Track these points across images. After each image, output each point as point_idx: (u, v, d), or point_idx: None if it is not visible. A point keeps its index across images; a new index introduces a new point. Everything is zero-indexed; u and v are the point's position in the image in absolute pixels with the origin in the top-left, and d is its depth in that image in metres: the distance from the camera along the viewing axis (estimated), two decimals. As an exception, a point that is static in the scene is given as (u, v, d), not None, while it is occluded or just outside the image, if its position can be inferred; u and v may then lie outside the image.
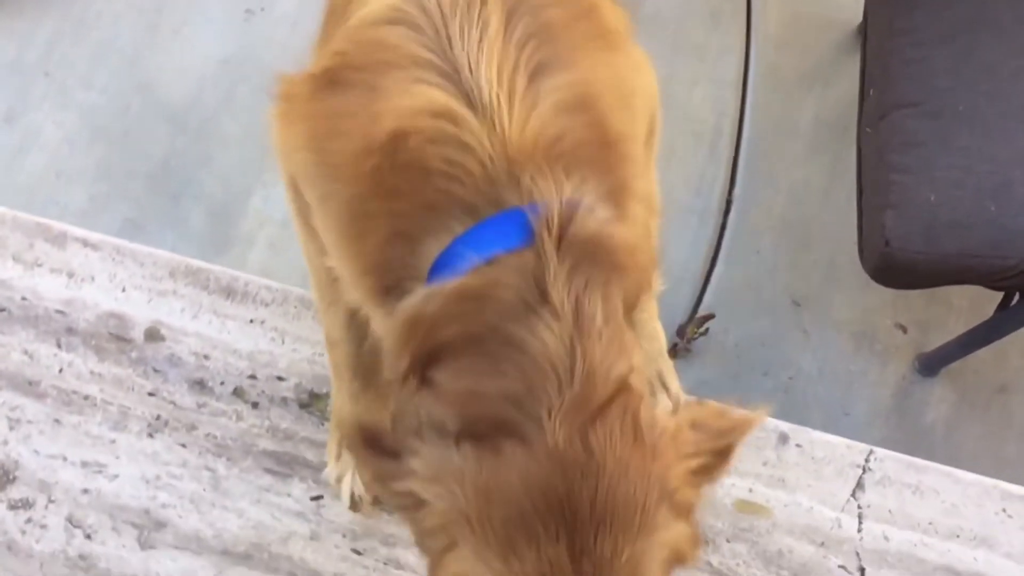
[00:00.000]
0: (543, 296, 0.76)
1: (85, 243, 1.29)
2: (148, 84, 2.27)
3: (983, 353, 1.90)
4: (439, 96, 0.81)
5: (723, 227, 2.15)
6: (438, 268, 0.81)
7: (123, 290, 1.27)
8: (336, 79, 0.88)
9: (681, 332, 2.01)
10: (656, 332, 1.27)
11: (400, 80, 0.83)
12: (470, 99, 0.81)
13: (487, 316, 0.77)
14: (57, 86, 2.26)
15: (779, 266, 2.09)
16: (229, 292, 1.27)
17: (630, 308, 0.85)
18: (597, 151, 0.84)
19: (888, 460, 1.16)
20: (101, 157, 2.21)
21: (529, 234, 0.77)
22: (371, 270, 0.87)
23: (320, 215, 0.94)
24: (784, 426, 1.18)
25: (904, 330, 2.02)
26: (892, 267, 1.57)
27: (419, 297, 0.81)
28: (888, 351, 2.00)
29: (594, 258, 0.78)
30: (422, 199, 0.81)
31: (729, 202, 2.17)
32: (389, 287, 0.85)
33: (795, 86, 2.22)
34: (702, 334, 2.01)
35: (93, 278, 1.27)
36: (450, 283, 0.79)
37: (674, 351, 2.00)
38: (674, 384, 1.24)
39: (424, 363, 0.81)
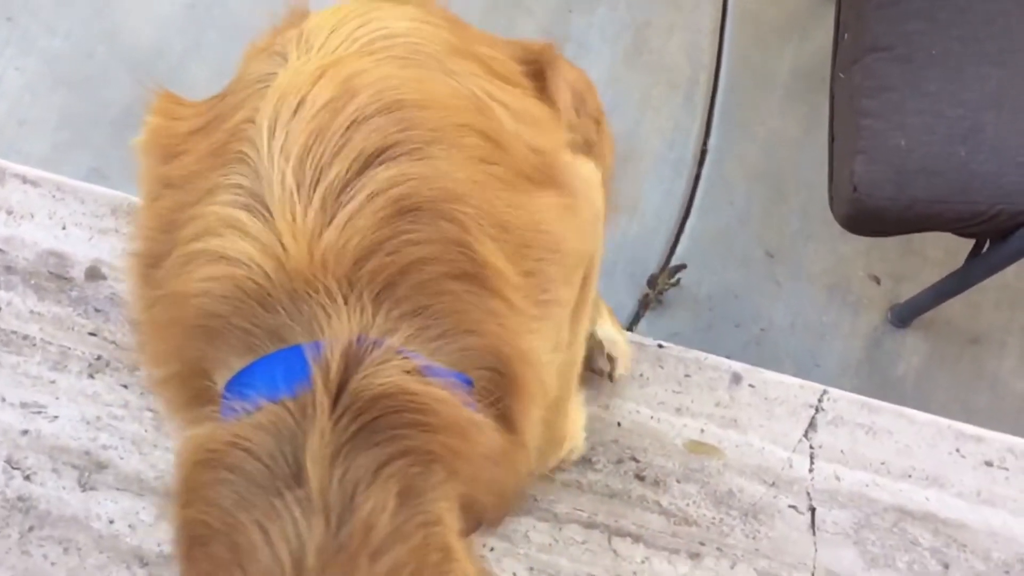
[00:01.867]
0: (297, 476, 0.54)
1: (24, 179, 1.26)
2: (113, 30, 2.22)
3: (956, 304, 1.88)
4: (224, 208, 0.64)
5: (697, 177, 2.12)
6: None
7: (63, 228, 1.24)
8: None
9: (652, 283, 1.98)
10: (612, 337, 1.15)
11: (209, 176, 0.68)
12: (262, 196, 0.62)
13: (223, 496, 0.56)
14: (20, 32, 2.21)
15: (753, 217, 2.06)
16: (174, 231, 1.24)
17: (477, 516, 0.59)
18: (449, 281, 0.61)
19: (842, 400, 1.14)
20: (64, 104, 2.16)
21: (306, 382, 0.57)
22: (168, 382, 0.70)
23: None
24: (737, 366, 1.16)
25: (878, 281, 1.99)
26: (861, 214, 1.55)
27: (180, 443, 0.64)
28: (861, 302, 1.98)
29: (394, 428, 0.55)
30: (203, 326, 0.64)
31: (704, 152, 2.13)
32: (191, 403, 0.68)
33: (773, 36, 2.18)
34: (673, 285, 1.99)
35: (32, 215, 1.24)
36: (198, 437, 0.60)
37: (645, 302, 1.98)
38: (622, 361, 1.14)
39: None
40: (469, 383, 0.61)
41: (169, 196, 0.72)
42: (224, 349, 0.63)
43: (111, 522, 1.14)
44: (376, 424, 0.55)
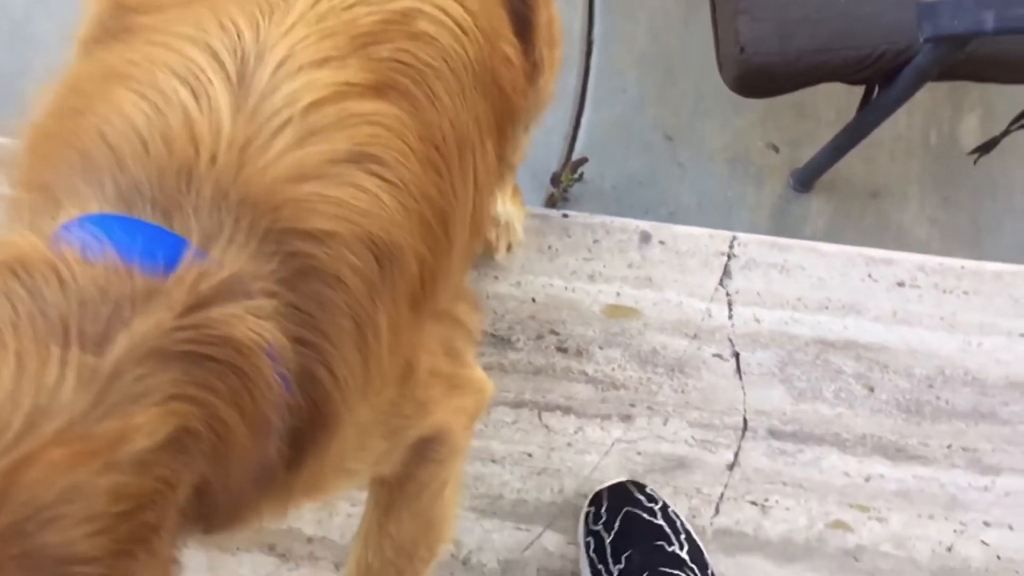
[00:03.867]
0: (98, 343, 0.44)
1: None
2: (-56, -11, 2.05)
3: (854, 162, 1.89)
4: (203, 55, 0.55)
5: (587, 70, 2.08)
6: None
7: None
8: None
9: (555, 181, 1.95)
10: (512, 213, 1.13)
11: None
12: (241, 66, 0.55)
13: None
14: None
15: (647, 102, 2.04)
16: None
17: (201, 512, 0.50)
18: (343, 315, 0.55)
19: (752, 244, 1.13)
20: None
21: (165, 270, 0.48)
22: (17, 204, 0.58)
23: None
24: (645, 225, 1.14)
25: (776, 149, 2.00)
26: (750, 73, 1.54)
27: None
28: (763, 172, 1.98)
29: (217, 377, 0.47)
30: (86, 154, 0.54)
31: (590, 43, 2.09)
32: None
33: (643, -86, 2.14)
34: (577, 180, 1.96)
35: None
36: (5, 240, 0.50)
37: (551, 201, 1.95)
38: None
39: None
40: (288, 393, 0.53)
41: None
42: (94, 187, 0.53)
43: None
44: (205, 361, 0.47)
